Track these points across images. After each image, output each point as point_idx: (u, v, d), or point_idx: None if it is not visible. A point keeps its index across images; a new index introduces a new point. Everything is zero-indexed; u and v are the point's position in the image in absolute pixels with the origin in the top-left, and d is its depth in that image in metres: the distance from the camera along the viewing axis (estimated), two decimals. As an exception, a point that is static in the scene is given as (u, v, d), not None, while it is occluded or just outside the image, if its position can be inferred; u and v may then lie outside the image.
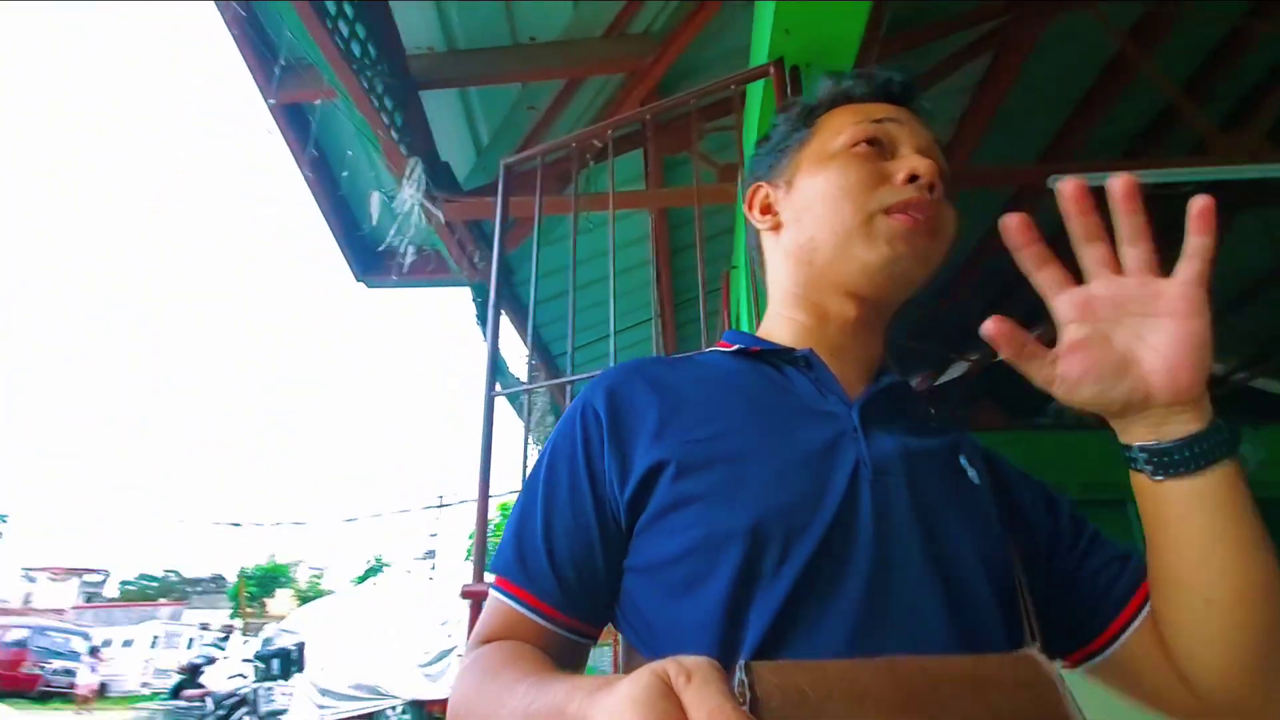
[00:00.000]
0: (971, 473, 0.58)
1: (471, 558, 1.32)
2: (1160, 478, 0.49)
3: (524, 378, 4.23)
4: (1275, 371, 6.43)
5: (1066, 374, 0.47)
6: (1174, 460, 0.48)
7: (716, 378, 0.60)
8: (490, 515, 1.32)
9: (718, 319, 3.34)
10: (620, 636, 0.56)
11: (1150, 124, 3.50)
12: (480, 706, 0.47)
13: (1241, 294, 5.28)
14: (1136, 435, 0.49)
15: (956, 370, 6.77)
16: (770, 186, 0.68)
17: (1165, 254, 0.48)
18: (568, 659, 0.53)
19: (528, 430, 1.40)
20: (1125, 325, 0.47)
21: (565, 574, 0.53)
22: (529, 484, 0.58)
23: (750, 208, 0.69)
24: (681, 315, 4.10)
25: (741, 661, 0.38)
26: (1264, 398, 6.67)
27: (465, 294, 3.11)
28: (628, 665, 0.53)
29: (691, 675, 0.33)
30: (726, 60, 2.18)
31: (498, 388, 1.44)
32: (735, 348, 0.64)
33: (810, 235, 0.61)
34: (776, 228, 0.66)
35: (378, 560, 30.54)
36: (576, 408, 0.58)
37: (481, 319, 3.14)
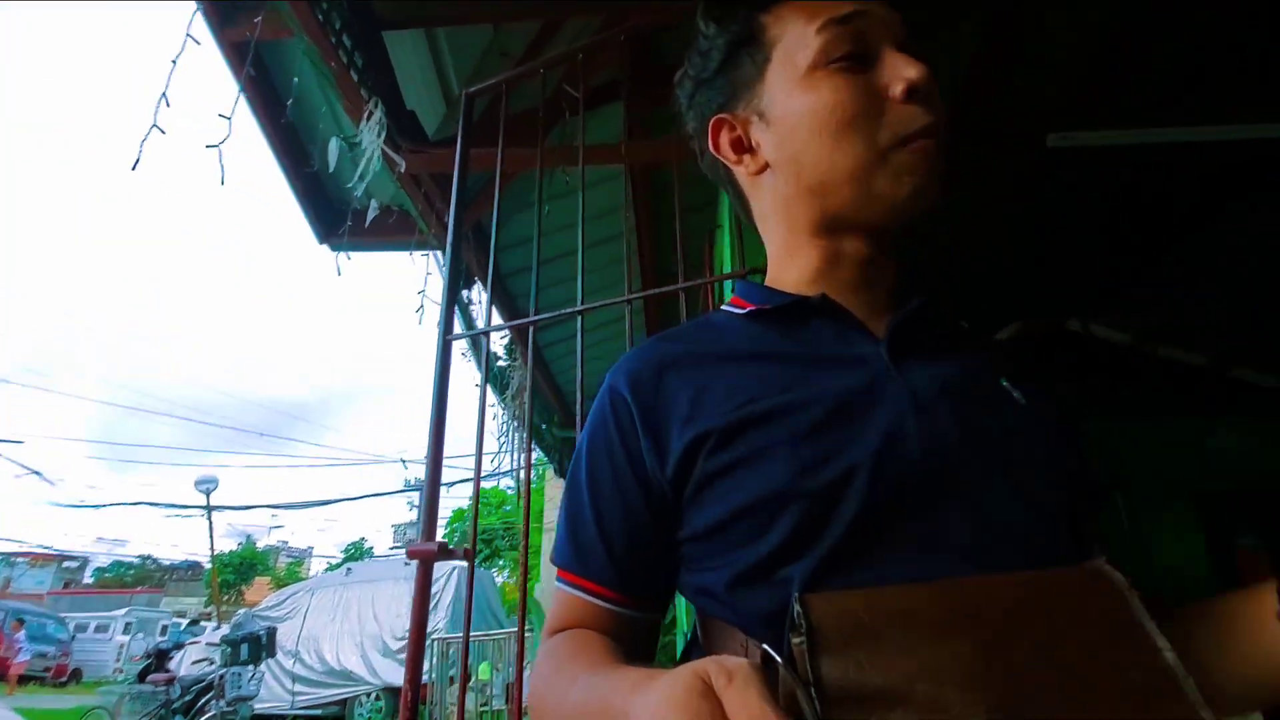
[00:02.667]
0: (1016, 393, 0.54)
1: (422, 519, 1.18)
2: None
3: (494, 342, 4.09)
4: (1257, 363, 6.46)
5: None
6: None
7: (738, 345, 0.58)
8: (448, 480, 1.21)
9: (699, 287, 3.21)
10: (694, 605, 0.56)
11: (1171, 84, 3.39)
12: (550, 698, 0.49)
13: (1231, 283, 5.26)
14: None
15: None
16: (734, 119, 0.60)
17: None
18: (638, 638, 0.55)
19: (485, 376, 1.27)
20: None
21: (621, 558, 0.54)
22: (571, 479, 0.59)
23: (717, 148, 0.61)
24: (665, 284, 3.97)
25: (795, 594, 0.39)
26: (1243, 388, 6.71)
27: (436, 259, 2.95)
28: (703, 631, 0.53)
29: (733, 676, 0.32)
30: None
31: (456, 330, 1.29)
32: (749, 308, 0.60)
33: (818, 179, 0.55)
34: (761, 169, 0.59)
35: (356, 546, 30.22)
36: (604, 397, 0.58)
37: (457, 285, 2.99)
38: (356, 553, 29.19)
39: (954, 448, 0.49)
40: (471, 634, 5.32)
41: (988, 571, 0.44)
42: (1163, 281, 5.13)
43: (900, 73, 0.52)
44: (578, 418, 1.29)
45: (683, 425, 0.52)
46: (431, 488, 1.20)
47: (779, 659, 0.36)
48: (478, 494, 1.23)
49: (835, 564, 0.45)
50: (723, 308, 0.65)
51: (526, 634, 1.10)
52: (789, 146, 0.56)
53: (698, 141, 0.65)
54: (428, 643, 7.30)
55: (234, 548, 29.99)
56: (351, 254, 3.06)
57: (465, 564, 1.15)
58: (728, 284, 2.18)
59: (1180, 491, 5.02)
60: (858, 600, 0.39)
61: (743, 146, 0.60)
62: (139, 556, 36.16)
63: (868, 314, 0.57)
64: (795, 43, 0.55)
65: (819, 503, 0.46)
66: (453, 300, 1.34)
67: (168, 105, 1.34)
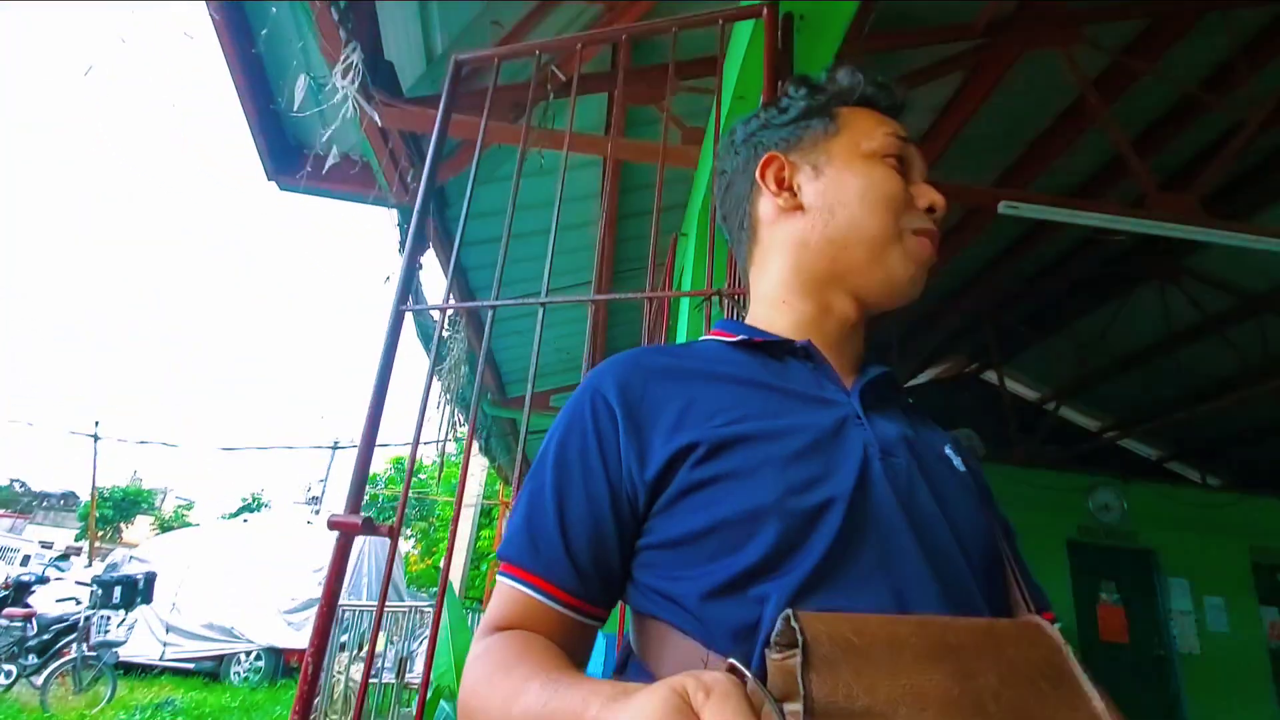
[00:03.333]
0: (956, 461, 0.61)
1: (351, 489, 1.15)
2: None
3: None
4: (1143, 434, 7.05)
5: None
6: None
7: (724, 369, 0.60)
8: (380, 465, 1.17)
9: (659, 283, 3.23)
10: (630, 610, 0.56)
11: (1098, 170, 3.66)
12: (491, 701, 0.48)
13: (1126, 359, 5.72)
14: None
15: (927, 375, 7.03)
16: (788, 161, 0.67)
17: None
18: (577, 643, 0.55)
19: (435, 358, 1.24)
20: None
21: (580, 559, 0.53)
22: (536, 471, 0.58)
23: (763, 176, 0.67)
24: (622, 282, 3.97)
25: (788, 610, 0.39)
26: (1131, 457, 7.32)
27: (389, 217, 2.85)
28: (641, 634, 0.54)
29: (710, 691, 0.32)
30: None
31: (410, 303, 1.26)
32: (737, 338, 0.64)
33: (844, 233, 0.62)
34: (794, 209, 0.65)
35: (255, 498, 28.81)
36: (585, 397, 0.58)
37: (404, 246, 2.90)
38: (254, 505, 27.84)
39: (912, 494, 0.53)
40: (368, 604, 5.12)
41: (944, 611, 0.47)
42: (1074, 346, 5.53)
43: (929, 193, 0.64)
44: (527, 400, 1.28)
45: (669, 433, 0.53)
46: (363, 458, 1.17)
47: (749, 674, 0.37)
48: (411, 470, 1.20)
49: (811, 586, 0.46)
50: (706, 338, 0.68)
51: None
52: (830, 198, 0.63)
53: (730, 171, 0.72)
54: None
55: (119, 483, 28.03)
56: (297, 192, 2.93)
57: (375, 537, 1.12)
58: (685, 299, 2.20)
59: (1057, 539, 5.43)
60: (847, 624, 0.40)
61: (784, 184, 0.66)
62: (8, 480, 33.35)
63: (841, 371, 0.62)
64: (863, 132, 0.65)
65: (800, 525, 0.48)
66: (412, 269, 1.30)
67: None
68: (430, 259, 3.32)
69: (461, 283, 3.81)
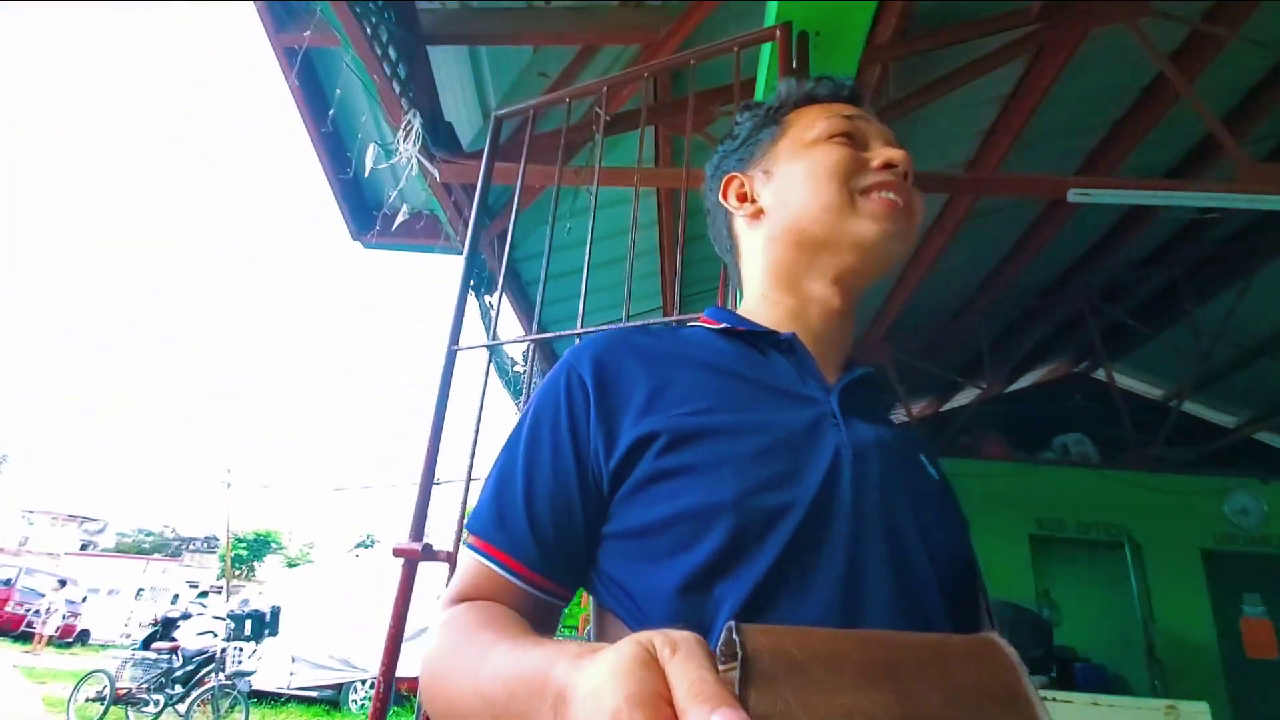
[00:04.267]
0: (930, 470, 0.60)
1: (413, 519, 1.24)
2: None
3: (515, 353, 4.17)
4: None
5: None
6: None
7: (703, 355, 0.60)
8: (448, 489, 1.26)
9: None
10: (591, 599, 0.56)
11: (1191, 149, 3.38)
12: (456, 667, 0.47)
13: (1257, 345, 5.14)
14: None
15: (964, 397, 6.65)
16: (745, 176, 0.70)
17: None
18: (541, 620, 0.53)
19: (485, 387, 1.32)
20: None
21: (544, 536, 0.53)
22: (508, 446, 0.58)
23: (725, 197, 0.71)
24: (690, 305, 4.01)
25: (731, 622, 0.38)
26: (1270, 453, 6.51)
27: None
28: (599, 627, 0.54)
29: (677, 647, 0.32)
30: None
31: (475, 338, 1.36)
32: (721, 326, 0.64)
33: (797, 215, 0.63)
34: (757, 215, 0.68)
35: (369, 536, 30.60)
36: (560, 373, 0.58)
37: (477, 289, 3.08)
38: (369, 542, 29.57)
39: (880, 503, 0.52)
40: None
41: (898, 625, 0.47)
42: (1194, 336, 5.04)
43: (885, 152, 0.63)
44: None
45: (636, 418, 0.53)
46: (424, 490, 1.26)
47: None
48: (465, 502, 1.27)
49: (765, 592, 0.46)
50: (692, 324, 0.69)
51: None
52: (782, 193, 0.65)
53: (710, 206, 0.75)
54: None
55: (252, 526, 30.58)
56: (379, 249, 3.19)
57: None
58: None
59: (1189, 550, 4.89)
60: (790, 638, 0.39)
61: (745, 198, 0.69)
62: (161, 525, 37.05)
63: (824, 365, 0.62)
64: (805, 125, 0.66)
65: (755, 526, 0.48)
66: (461, 313, 1.40)
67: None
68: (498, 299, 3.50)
69: (530, 318, 3.98)
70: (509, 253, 3.29)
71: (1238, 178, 2.24)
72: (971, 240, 3.88)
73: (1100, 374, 5.96)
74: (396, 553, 1.15)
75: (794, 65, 1.29)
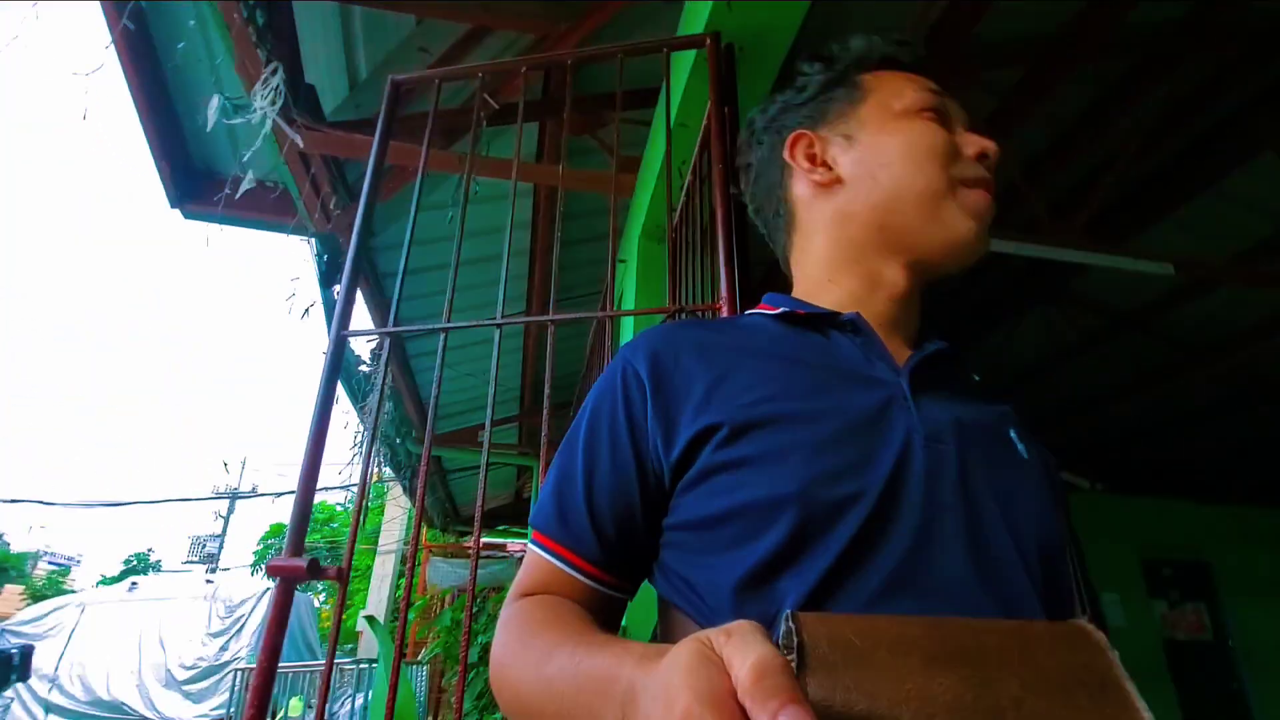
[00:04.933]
0: (1020, 447, 0.56)
1: (288, 531, 1.05)
2: None
3: (362, 352, 3.81)
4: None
5: None
6: None
7: (762, 343, 0.58)
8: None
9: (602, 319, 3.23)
10: (657, 594, 0.55)
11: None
12: (522, 661, 0.47)
13: (1017, 377, 6.17)
14: None
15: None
16: (817, 137, 0.63)
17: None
18: (605, 614, 0.53)
19: (384, 383, 1.17)
20: None
21: (606, 531, 0.53)
22: (568, 442, 0.57)
23: (793, 156, 0.64)
24: (560, 309, 3.93)
25: (786, 611, 0.38)
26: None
27: (302, 247, 2.71)
28: (663, 621, 0.53)
29: (730, 634, 0.32)
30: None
31: (349, 327, 1.18)
32: (779, 310, 0.61)
33: (890, 194, 0.59)
34: (831, 184, 0.62)
35: (141, 558, 26.20)
36: (617, 368, 0.56)
37: (324, 277, 2.76)
38: (141, 565, 25.31)
39: (955, 487, 0.49)
40: (281, 665, 4.76)
41: (974, 612, 0.45)
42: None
43: (980, 141, 0.60)
44: (429, 431, 1.15)
45: (696, 412, 0.51)
46: (304, 495, 1.07)
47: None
48: (360, 509, 1.11)
49: (831, 584, 0.45)
50: (750, 312, 0.65)
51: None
52: (870, 164, 0.60)
53: (756, 162, 0.69)
54: (227, 674, 6.44)
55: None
56: (203, 220, 2.75)
57: (274, 586, 1.02)
58: (627, 321, 2.20)
59: None
60: (850, 625, 0.38)
61: (816, 161, 0.63)
62: None
63: (893, 347, 0.58)
64: (893, 92, 0.62)
65: (822, 517, 0.46)
66: (351, 295, 1.23)
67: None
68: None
69: (384, 315, 3.67)
70: (371, 240, 3.01)
71: (1038, 229, 2.66)
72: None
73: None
74: (272, 570, 0.97)
75: (721, 75, 1.30)
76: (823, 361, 0.56)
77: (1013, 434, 0.56)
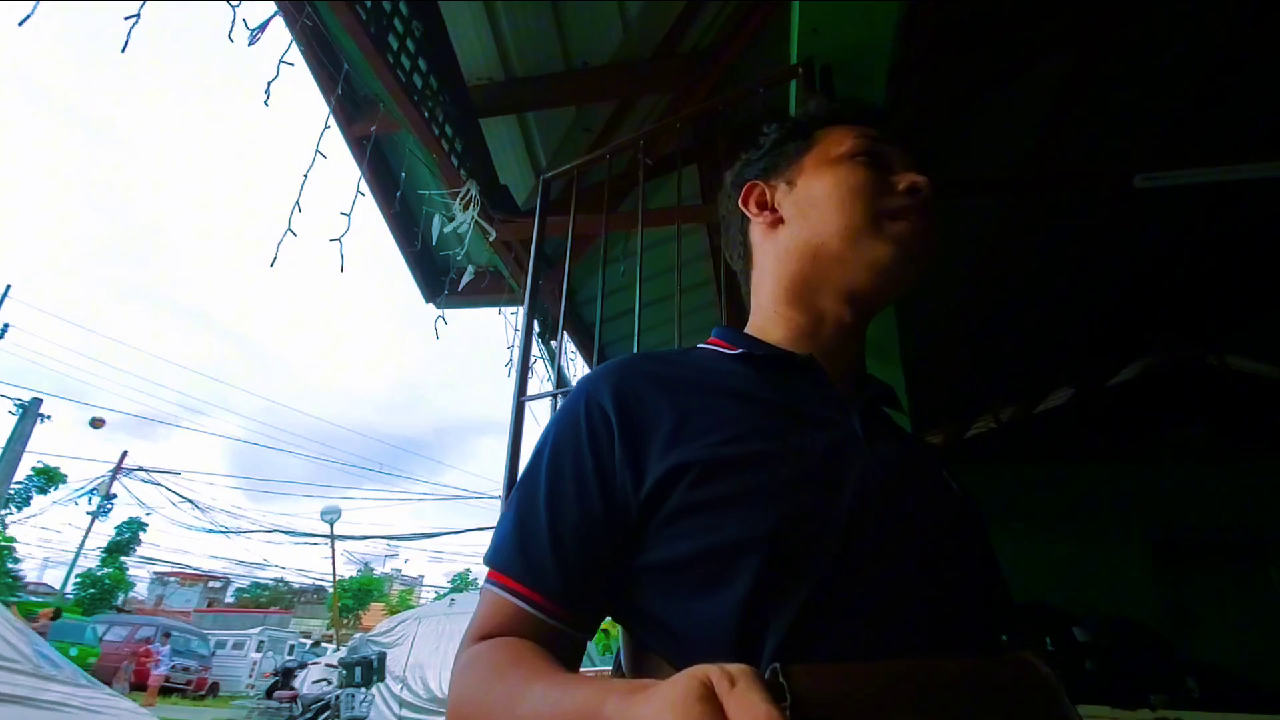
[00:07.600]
0: (953, 484, 0.59)
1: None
2: None
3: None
4: None
5: None
6: None
7: (721, 381, 0.60)
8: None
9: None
10: (625, 637, 0.55)
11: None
12: (489, 704, 0.46)
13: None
14: None
15: (1059, 397, 6.27)
16: (767, 185, 0.70)
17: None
18: (567, 655, 0.52)
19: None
20: None
21: (570, 567, 0.51)
22: (527, 477, 0.56)
23: (745, 203, 0.71)
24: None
25: (776, 665, 0.38)
26: None
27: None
28: (632, 662, 0.53)
29: (735, 680, 0.32)
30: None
31: (536, 387, 1.45)
32: (737, 351, 0.64)
33: (817, 231, 0.63)
34: (775, 224, 0.68)
35: (462, 577, 31.41)
36: (578, 402, 0.56)
37: (543, 336, 3.22)
38: (462, 583, 30.37)
39: (911, 522, 0.51)
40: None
41: (938, 646, 0.46)
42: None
43: (910, 176, 0.63)
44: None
45: (664, 449, 0.52)
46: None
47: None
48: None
49: (804, 622, 0.45)
50: (702, 346, 0.68)
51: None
52: (802, 204, 0.66)
53: (726, 213, 0.76)
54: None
55: (354, 574, 32.05)
56: (452, 309, 3.39)
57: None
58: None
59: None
60: (834, 676, 0.40)
61: (765, 205, 0.70)
62: (273, 579, 39.32)
63: (838, 383, 0.61)
64: (833, 142, 0.67)
65: (790, 559, 0.46)
66: (525, 364, 1.51)
67: (300, 211, 1.61)
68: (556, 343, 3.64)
69: (600, 359, 4.09)
70: (567, 298, 3.44)
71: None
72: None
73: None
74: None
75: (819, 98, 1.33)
76: (780, 401, 0.58)
77: (945, 473, 0.59)
